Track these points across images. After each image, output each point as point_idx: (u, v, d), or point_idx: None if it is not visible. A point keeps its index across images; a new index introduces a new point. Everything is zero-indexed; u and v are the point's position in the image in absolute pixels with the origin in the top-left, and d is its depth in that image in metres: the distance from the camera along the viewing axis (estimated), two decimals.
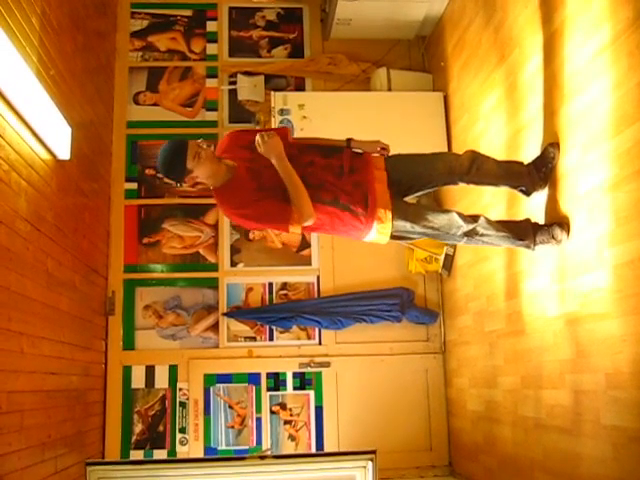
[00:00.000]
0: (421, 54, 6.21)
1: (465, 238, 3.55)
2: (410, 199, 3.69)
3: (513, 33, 4.19)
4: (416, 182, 3.64)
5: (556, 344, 3.62)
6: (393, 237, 3.50)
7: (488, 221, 3.57)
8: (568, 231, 3.46)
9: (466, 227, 3.51)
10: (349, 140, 3.55)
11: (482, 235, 3.55)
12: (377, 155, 3.59)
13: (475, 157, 3.68)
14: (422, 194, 3.78)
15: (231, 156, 3.45)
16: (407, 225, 3.45)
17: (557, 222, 3.53)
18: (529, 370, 3.98)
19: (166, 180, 3.44)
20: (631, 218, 2.92)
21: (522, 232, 3.62)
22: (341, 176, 3.43)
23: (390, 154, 3.61)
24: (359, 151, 3.57)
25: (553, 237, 3.50)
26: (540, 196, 3.73)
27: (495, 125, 4.52)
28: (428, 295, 5.88)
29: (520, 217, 4.01)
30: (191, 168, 3.24)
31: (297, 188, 3.28)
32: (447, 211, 3.58)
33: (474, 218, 3.55)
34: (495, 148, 4.40)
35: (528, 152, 3.92)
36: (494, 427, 4.55)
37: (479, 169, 3.64)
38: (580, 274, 3.35)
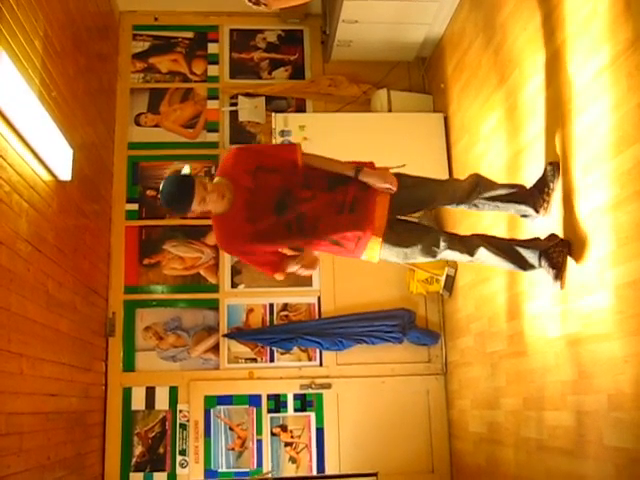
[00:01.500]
0: (421, 75, 6.24)
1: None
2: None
3: (513, 55, 4.21)
4: (416, 208, 3.72)
5: (558, 365, 3.60)
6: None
7: (488, 249, 3.55)
8: (563, 280, 3.47)
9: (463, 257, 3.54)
10: (358, 172, 3.39)
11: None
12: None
13: (478, 181, 3.68)
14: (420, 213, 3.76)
15: (233, 179, 3.39)
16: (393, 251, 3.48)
17: (554, 271, 3.51)
18: (531, 391, 3.96)
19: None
20: (632, 239, 2.91)
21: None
22: (341, 214, 3.40)
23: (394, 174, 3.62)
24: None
25: (553, 278, 3.51)
26: (541, 219, 3.72)
27: (495, 146, 4.53)
28: (429, 316, 5.86)
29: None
30: (195, 210, 3.30)
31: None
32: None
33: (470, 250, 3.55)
34: (496, 169, 4.41)
35: (529, 173, 3.92)
36: (496, 449, 4.51)
37: (480, 193, 3.64)
38: (581, 295, 3.34)
